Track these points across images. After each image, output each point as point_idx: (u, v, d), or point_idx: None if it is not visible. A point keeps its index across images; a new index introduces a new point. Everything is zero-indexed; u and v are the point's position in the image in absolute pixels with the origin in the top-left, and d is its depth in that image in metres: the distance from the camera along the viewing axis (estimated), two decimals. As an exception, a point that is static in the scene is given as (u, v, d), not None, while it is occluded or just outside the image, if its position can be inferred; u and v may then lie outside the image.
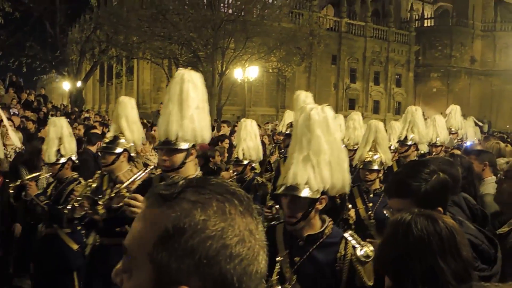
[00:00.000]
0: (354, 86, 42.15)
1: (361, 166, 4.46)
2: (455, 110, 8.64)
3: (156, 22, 21.70)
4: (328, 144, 2.46)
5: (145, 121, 13.79)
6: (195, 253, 0.79)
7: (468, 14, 47.40)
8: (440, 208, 2.02)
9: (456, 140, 8.31)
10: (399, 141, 5.85)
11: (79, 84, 28.88)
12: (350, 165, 5.17)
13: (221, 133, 9.84)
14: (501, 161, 4.86)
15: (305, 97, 4.87)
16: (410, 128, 5.80)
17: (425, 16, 48.95)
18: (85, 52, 28.47)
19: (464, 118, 9.63)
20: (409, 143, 5.74)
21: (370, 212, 4.28)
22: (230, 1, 22.78)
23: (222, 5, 22.45)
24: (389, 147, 7.04)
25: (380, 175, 4.44)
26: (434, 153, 6.67)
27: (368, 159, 4.40)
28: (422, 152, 6.31)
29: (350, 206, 4.11)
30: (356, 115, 7.32)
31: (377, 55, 42.71)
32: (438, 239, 1.56)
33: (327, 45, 33.32)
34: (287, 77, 33.24)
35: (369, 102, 42.84)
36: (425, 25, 48.33)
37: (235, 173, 5.19)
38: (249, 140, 5.22)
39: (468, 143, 8.51)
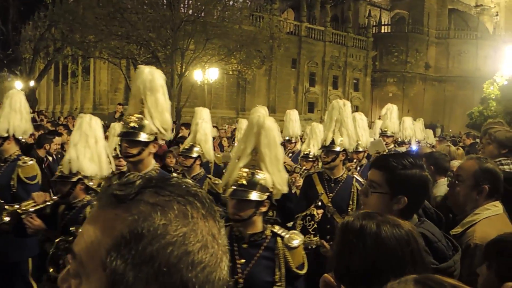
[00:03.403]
0: (314, 90, 42.73)
1: (229, 195, 2.53)
2: (391, 110, 7.34)
3: (113, 21, 21.21)
4: None
5: (102, 122, 13.54)
6: (154, 260, 0.72)
7: (424, 21, 48.99)
8: (405, 198, 2.01)
9: (392, 145, 7.13)
10: (323, 147, 4.38)
11: (32, 83, 28.00)
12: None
13: (180, 135, 9.66)
14: (455, 163, 4.91)
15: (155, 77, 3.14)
16: (338, 130, 4.40)
17: (382, 23, 50.25)
18: (39, 51, 27.62)
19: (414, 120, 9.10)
20: (337, 149, 4.29)
21: (237, 277, 2.47)
22: (190, 1, 22.58)
23: (181, 5, 22.24)
24: (308, 156, 5.69)
25: (263, 209, 2.53)
26: (355, 160, 5.78)
27: (241, 180, 2.51)
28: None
29: None
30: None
31: (336, 60, 43.48)
32: (408, 248, 1.49)
33: (287, 48, 33.63)
34: (248, 79, 33.34)
35: (328, 105, 43.45)
36: (382, 31, 49.58)
37: None
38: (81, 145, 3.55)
39: (414, 147, 7.61)
